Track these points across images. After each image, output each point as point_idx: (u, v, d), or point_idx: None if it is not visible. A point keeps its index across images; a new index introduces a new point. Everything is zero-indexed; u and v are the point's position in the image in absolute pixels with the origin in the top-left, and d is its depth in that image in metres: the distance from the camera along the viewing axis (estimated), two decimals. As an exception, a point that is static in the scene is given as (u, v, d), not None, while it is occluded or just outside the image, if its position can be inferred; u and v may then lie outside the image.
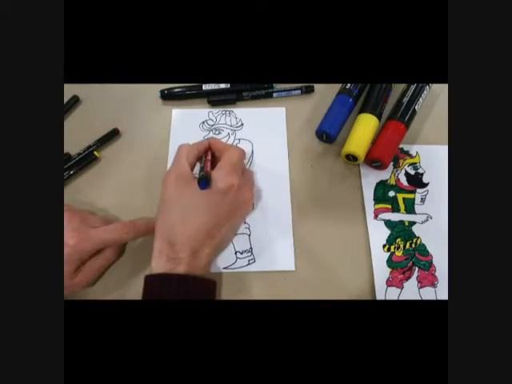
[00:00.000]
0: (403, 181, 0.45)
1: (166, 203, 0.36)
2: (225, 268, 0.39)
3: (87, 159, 0.44)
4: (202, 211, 0.35)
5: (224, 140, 0.47)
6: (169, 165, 0.45)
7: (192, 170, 0.38)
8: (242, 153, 0.40)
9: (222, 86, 0.50)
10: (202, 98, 0.50)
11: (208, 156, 0.40)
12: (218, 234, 0.36)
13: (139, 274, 0.39)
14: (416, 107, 0.46)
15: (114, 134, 0.47)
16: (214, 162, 0.40)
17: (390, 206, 0.43)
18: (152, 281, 0.33)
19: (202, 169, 0.38)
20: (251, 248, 0.40)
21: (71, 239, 0.34)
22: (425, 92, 0.47)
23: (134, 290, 0.38)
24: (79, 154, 0.45)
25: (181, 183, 0.36)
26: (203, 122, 0.49)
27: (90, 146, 0.45)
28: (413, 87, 0.46)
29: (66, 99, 0.48)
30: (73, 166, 0.44)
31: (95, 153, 0.45)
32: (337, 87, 0.48)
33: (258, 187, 0.44)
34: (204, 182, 0.35)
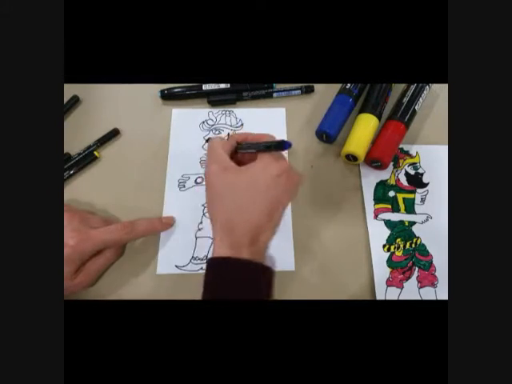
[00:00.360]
0: (403, 181, 0.45)
1: (218, 195, 0.36)
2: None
3: (87, 159, 0.44)
4: (258, 197, 0.35)
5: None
6: (169, 165, 0.45)
7: None
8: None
9: (222, 85, 0.50)
10: (201, 97, 0.50)
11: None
12: (274, 216, 0.36)
13: (139, 274, 0.39)
14: (416, 107, 0.46)
15: (114, 134, 0.47)
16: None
17: (390, 206, 0.43)
18: (215, 263, 0.33)
19: (257, 144, 0.37)
20: (251, 248, 0.40)
21: (71, 240, 0.34)
22: (425, 92, 0.47)
23: (133, 290, 0.38)
24: (79, 154, 0.45)
25: (228, 173, 0.36)
26: (203, 122, 0.49)
27: (89, 146, 0.45)
28: (413, 87, 0.46)
29: (66, 99, 0.48)
30: (73, 166, 0.44)
31: (95, 153, 0.45)
32: (337, 87, 0.48)
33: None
34: (286, 143, 0.35)
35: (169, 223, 0.41)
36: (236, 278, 0.32)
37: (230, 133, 0.48)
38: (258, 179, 0.36)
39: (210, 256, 0.35)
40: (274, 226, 0.37)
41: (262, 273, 0.34)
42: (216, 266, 0.33)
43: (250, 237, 0.34)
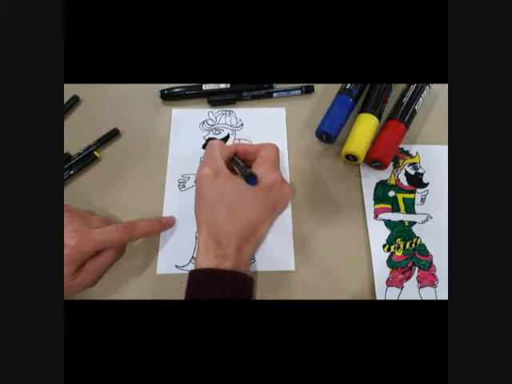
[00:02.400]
0: (403, 181, 0.45)
1: (208, 200, 0.36)
2: (225, 268, 0.39)
3: (87, 159, 0.44)
4: (248, 207, 0.35)
5: (223, 139, 0.47)
6: (169, 164, 0.45)
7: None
8: (278, 149, 0.41)
9: (222, 85, 0.50)
10: (201, 97, 0.50)
11: (236, 158, 0.40)
12: (261, 229, 0.37)
13: (139, 274, 0.39)
14: (416, 107, 0.46)
15: (113, 134, 0.47)
16: (246, 163, 0.40)
17: (390, 206, 0.43)
18: (199, 275, 0.33)
19: (243, 167, 0.38)
20: (251, 248, 0.40)
21: (71, 240, 0.34)
22: (425, 92, 0.47)
23: (134, 290, 0.38)
24: (79, 154, 0.45)
25: (221, 179, 0.36)
26: (203, 122, 0.49)
27: (89, 146, 0.45)
28: (413, 87, 0.46)
29: (65, 99, 0.48)
30: (73, 166, 0.44)
31: (95, 153, 0.45)
32: (337, 87, 0.48)
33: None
34: (253, 178, 0.36)
35: (169, 223, 0.41)
36: (220, 289, 0.32)
37: (230, 133, 0.48)
38: (249, 189, 0.36)
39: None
40: (259, 238, 0.37)
41: (244, 283, 0.34)
42: (199, 278, 0.33)
43: (235, 247, 0.34)
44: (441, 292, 0.39)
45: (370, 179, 0.44)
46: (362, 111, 0.45)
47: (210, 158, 0.38)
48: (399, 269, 0.39)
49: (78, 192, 0.43)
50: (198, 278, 0.33)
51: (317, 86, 0.51)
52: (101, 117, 0.48)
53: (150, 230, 0.39)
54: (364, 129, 0.44)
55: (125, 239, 0.37)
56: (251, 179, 0.36)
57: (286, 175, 0.44)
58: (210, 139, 0.45)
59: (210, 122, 0.49)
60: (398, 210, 0.43)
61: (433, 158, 0.46)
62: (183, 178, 0.44)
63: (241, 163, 0.39)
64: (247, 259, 0.36)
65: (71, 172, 0.44)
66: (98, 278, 0.38)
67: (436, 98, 0.50)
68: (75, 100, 0.49)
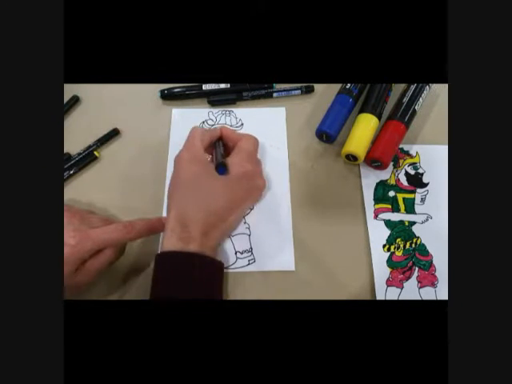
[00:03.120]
0: (403, 181, 0.45)
1: (180, 184, 0.37)
2: (225, 268, 0.39)
3: (87, 159, 0.44)
4: (217, 195, 0.36)
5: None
6: (169, 165, 0.45)
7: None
8: (257, 141, 0.42)
9: (222, 85, 0.50)
10: (202, 97, 0.50)
11: (220, 144, 0.42)
12: (229, 217, 0.37)
13: (139, 274, 0.39)
14: (416, 107, 0.46)
15: (113, 134, 0.47)
16: (226, 150, 0.42)
17: (390, 206, 0.43)
18: (164, 258, 0.34)
19: (220, 155, 0.39)
20: (251, 248, 0.40)
21: (71, 239, 0.34)
22: (425, 92, 0.47)
23: (134, 290, 0.38)
24: (79, 154, 0.45)
25: (196, 165, 0.37)
26: (203, 122, 0.49)
27: (90, 146, 0.45)
28: (413, 87, 0.46)
29: (65, 99, 0.48)
30: (73, 166, 0.44)
31: (95, 152, 0.45)
32: (337, 87, 0.48)
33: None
34: (223, 168, 0.37)
35: None
36: (186, 270, 0.32)
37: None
38: (220, 178, 0.37)
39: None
40: (227, 227, 0.38)
41: (211, 265, 0.34)
42: (165, 261, 0.34)
43: (200, 231, 0.34)
44: (441, 292, 0.39)
45: (370, 179, 0.44)
46: (361, 111, 0.45)
47: (189, 143, 0.39)
48: (399, 269, 0.39)
49: (78, 192, 0.43)
50: (160, 262, 0.34)
51: (317, 86, 0.51)
52: (101, 117, 0.48)
53: (150, 229, 0.39)
54: (364, 129, 0.44)
55: (125, 238, 0.37)
56: (220, 169, 0.37)
57: (286, 175, 0.44)
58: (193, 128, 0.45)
59: (210, 122, 0.49)
60: (398, 210, 0.43)
61: (433, 157, 0.46)
62: (183, 178, 0.44)
63: (219, 150, 0.40)
64: (215, 244, 0.36)
65: (71, 172, 0.44)
66: (97, 276, 0.38)
67: (436, 98, 0.50)
68: (75, 100, 0.49)
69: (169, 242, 0.34)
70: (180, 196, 0.36)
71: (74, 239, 0.34)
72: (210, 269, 0.34)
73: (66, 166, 0.44)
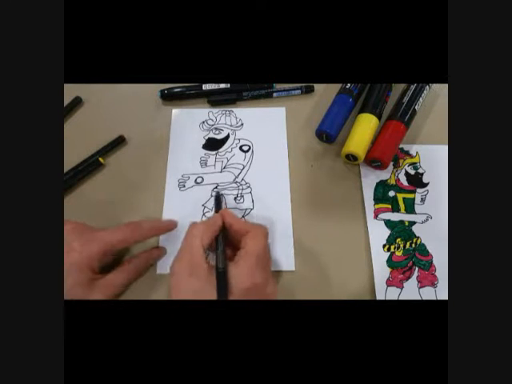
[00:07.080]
0: (403, 181, 0.45)
1: (178, 297, 0.32)
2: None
3: (92, 166, 0.44)
4: None
5: (224, 140, 0.47)
6: (169, 165, 0.45)
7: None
8: (267, 234, 0.35)
9: (222, 85, 0.50)
10: (201, 97, 0.50)
11: (222, 243, 0.35)
12: None
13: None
14: (416, 107, 0.46)
15: (119, 142, 0.46)
16: (228, 238, 0.36)
17: (389, 206, 0.43)
18: None
19: (221, 259, 0.33)
20: (251, 248, 0.40)
21: (76, 243, 0.33)
22: (425, 92, 0.47)
23: (134, 290, 0.38)
24: (85, 161, 0.45)
25: (197, 279, 0.31)
26: (203, 122, 0.49)
27: (95, 154, 0.45)
28: (413, 87, 0.46)
29: (66, 100, 0.48)
30: (78, 173, 0.44)
31: (100, 159, 0.44)
32: (337, 87, 0.48)
33: (258, 187, 0.44)
34: (220, 274, 0.32)
35: (173, 223, 0.40)
36: None
37: (230, 133, 0.48)
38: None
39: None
40: None
41: None
42: None
43: None
44: (441, 292, 0.39)
45: (369, 179, 0.44)
46: (361, 111, 0.45)
47: (188, 248, 0.33)
48: (399, 269, 0.39)
49: (82, 197, 0.43)
50: None
51: (317, 86, 0.51)
52: (100, 117, 0.48)
53: (160, 228, 0.39)
54: (364, 129, 0.44)
55: (130, 238, 0.37)
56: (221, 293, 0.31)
57: (286, 175, 0.44)
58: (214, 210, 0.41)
59: (210, 122, 0.49)
60: (398, 210, 0.43)
61: (433, 157, 0.46)
62: (183, 178, 0.44)
63: (220, 252, 0.34)
64: None
65: (76, 179, 0.44)
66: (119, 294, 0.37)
67: (436, 98, 0.50)
68: (77, 101, 0.49)
69: None
70: None
71: (79, 243, 0.34)
72: None
73: (71, 173, 0.43)
